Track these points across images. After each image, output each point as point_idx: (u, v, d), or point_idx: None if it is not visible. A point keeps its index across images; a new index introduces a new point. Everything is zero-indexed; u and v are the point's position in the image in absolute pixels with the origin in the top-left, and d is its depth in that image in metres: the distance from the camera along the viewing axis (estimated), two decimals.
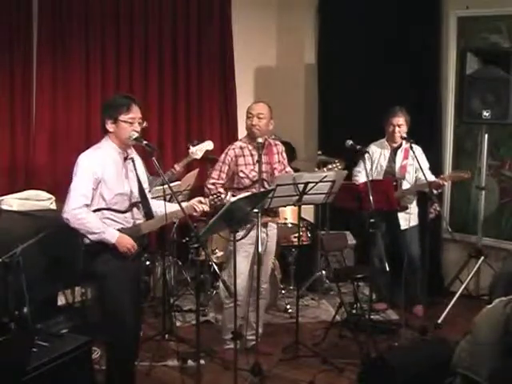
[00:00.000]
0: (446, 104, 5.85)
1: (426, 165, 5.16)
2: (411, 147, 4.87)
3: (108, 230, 3.44)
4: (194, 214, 3.69)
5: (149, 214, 3.60)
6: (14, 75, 5.15)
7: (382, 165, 5.24)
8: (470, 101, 5.28)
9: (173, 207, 3.60)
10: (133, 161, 3.61)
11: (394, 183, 5.08)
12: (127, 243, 3.46)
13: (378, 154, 5.25)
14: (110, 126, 3.48)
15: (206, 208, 3.70)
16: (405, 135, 5.09)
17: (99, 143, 3.55)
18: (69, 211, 3.40)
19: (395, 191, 5.05)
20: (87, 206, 3.43)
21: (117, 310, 3.51)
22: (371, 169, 5.28)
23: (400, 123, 5.11)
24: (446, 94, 5.84)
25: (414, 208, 5.24)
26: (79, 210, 3.40)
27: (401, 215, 5.17)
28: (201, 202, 3.67)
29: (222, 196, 3.86)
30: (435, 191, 4.99)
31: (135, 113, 3.49)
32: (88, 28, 5.47)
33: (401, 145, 5.20)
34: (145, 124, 3.59)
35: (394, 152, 5.23)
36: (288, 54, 6.76)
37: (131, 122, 3.47)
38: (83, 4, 5.43)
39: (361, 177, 5.15)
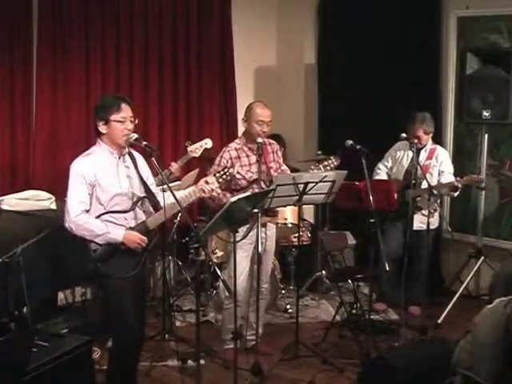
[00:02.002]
0: (446, 104, 5.85)
1: (449, 169, 5.18)
2: (411, 146, 4.88)
3: (113, 229, 3.45)
4: (204, 195, 3.62)
5: (156, 208, 3.58)
6: (14, 75, 5.15)
7: (404, 165, 5.25)
8: (470, 101, 5.28)
9: (178, 195, 3.50)
10: (131, 157, 3.60)
11: (413, 182, 5.09)
12: (135, 238, 3.47)
13: (401, 154, 5.29)
14: (102, 128, 3.48)
15: (215, 186, 3.63)
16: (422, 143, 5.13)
17: (90, 149, 3.55)
18: (70, 220, 3.42)
19: (413, 189, 5.06)
20: (87, 211, 3.45)
21: (120, 311, 3.51)
22: (392, 168, 5.32)
23: (418, 135, 5.11)
24: (446, 93, 5.84)
25: (434, 212, 5.20)
26: (80, 217, 3.41)
27: (416, 216, 5.14)
28: (207, 183, 3.60)
29: (231, 170, 3.74)
30: (452, 193, 5.02)
31: (126, 112, 3.48)
32: (88, 28, 5.47)
33: (426, 145, 5.20)
34: (136, 121, 3.58)
35: (417, 152, 5.21)
36: (288, 53, 6.75)
37: (123, 120, 3.46)
38: (83, 4, 5.42)
39: (380, 174, 5.31)
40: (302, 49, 6.68)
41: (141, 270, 3.64)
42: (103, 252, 3.45)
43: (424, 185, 5.10)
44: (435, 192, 4.91)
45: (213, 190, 3.63)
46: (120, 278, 3.45)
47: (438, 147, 5.27)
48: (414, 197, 5.05)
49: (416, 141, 5.08)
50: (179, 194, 3.54)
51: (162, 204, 3.55)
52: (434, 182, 5.11)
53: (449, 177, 5.13)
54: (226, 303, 4.39)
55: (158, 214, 3.57)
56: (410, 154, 5.24)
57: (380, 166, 5.38)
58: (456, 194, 5.12)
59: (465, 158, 5.80)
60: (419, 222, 5.14)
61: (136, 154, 3.67)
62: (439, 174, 5.16)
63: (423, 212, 5.15)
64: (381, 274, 5.08)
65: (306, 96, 6.70)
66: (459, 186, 4.98)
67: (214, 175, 3.69)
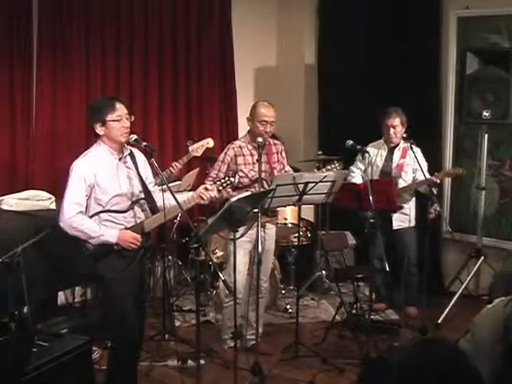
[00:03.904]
0: (446, 104, 5.85)
1: (424, 166, 5.17)
2: (411, 147, 4.89)
3: (106, 231, 3.45)
4: (202, 202, 3.65)
5: (154, 209, 3.59)
6: (14, 75, 5.14)
7: (378, 165, 5.26)
8: (470, 101, 5.28)
9: (179, 198, 3.51)
10: (132, 157, 3.61)
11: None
12: (129, 237, 3.47)
13: (374, 154, 5.26)
14: (99, 130, 3.49)
15: (214, 194, 3.66)
16: (404, 135, 5.10)
17: (89, 149, 3.57)
18: (64, 221, 3.43)
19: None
20: (82, 213, 3.45)
21: (120, 311, 3.51)
22: (365, 170, 5.30)
23: (395, 124, 5.12)
24: (446, 93, 5.83)
25: (410, 209, 5.22)
26: (74, 219, 3.42)
27: (395, 215, 5.16)
28: (207, 189, 3.63)
29: (232, 179, 3.76)
30: (432, 189, 5.02)
31: (121, 110, 3.50)
32: (88, 28, 5.46)
33: (398, 144, 5.21)
34: (132, 118, 3.59)
35: (391, 151, 5.24)
36: (288, 53, 6.76)
37: (119, 119, 3.48)
38: (83, 4, 5.42)
39: (355, 177, 5.22)
40: (301, 49, 6.68)
41: (138, 270, 3.65)
42: (96, 251, 3.46)
43: (400, 184, 5.12)
44: (423, 190, 4.99)
45: (212, 197, 3.65)
46: (116, 278, 3.45)
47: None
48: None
49: (392, 131, 5.10)
50: (171, 204, 3.53)
51: (160, 206, 3.57)
52: (408, 181, 5.15)
53: (424, 173, 5.11)
54: (226, 301, 4.40)
55: (156, 216, 3.57)
56: (384, 153, 5.27)
57: (353, 168, 5.30)
58: (435, 189, 5.14)
59: (465, 158, 5.80)
60: (398, 220, 5.16)
61: (137, 154, 3.68)
62: (414, 172, 5.15)
63: (402, 211, 5.16)
64: (380, 274, 5.10)
65: (306, 96, 6.70)
66: (437, 181, 4.99)
67: (215, 183, 3.72)
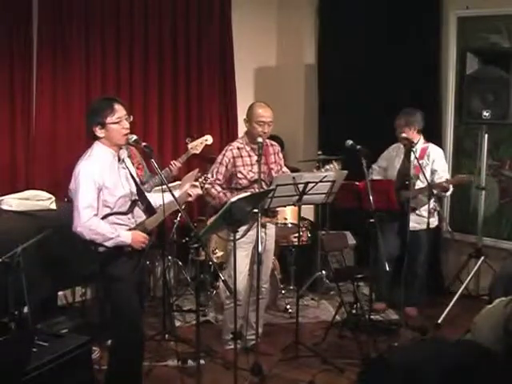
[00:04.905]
0: (446, 104, 5.85)
1: (442, 167, 5.16)
2: (411, 148, 4.88)
3: (121, 232, 3.46)
4: (190, 199, 3.77)
5: (149, 208, 3.60)
6: (14, 75, 5.14)
7: (395, 165, 5.24)
8: (470, 101, 5.28)
9: (170, 196, 3.53)
10: (123, 160, 3.62)
11: (407, 182, 5.08)
12: (141, 237, 3.49)
13: (393, 155, 5.28)
14: (99, 132, 3.47)
15: (199, 191, 3.82)
16: (403, 135, 5.09)
17: (90, 151, 3.52)
18: (81, 225, 3.40)
19: (407, 190, 5.04)
20: (96, 215, 3.44)
21: (127, 311, 3.51)
22: (386, 169, 5.31)
23: (398, 123, 5.12)
24: (446, 93, 5.84)
25: (426, 212, 5.18)
26: (90, 222, 3.40)
27: (412, 217, 5.13)
28: (194, 186, 3.77)
29: (209, 175, 4.16)
30: (443, 193, 5.02)
31: (120, 111, 3.48)
32: (88, 28, 5.47)
33: (416, 144, 5.14)
34: (131, 118, 3.59)
35: (409, 151, 5.20)
36: (288, 53, 6.76)
37: (119, 121, 3.47)
38: (83, 4, 5.42)
39: (374, 174, 5.27)
40: (301, 49, 6.68)
41: (141, 270, 3.65)
42: (109, 254, 3.46)
43: (418, 185, 5.10)
44: (427, 192, 4.93)
45: (199, 194, 3.83)
46: (125, 279, 3.46)
47: (430, 146, 5.22)
48: (408, 198, 5.05)
49: (397, 132, 5.10)
50: (168, 199, 3.54)
51: (154, 204, 3.63)
52: (426, 182, 5.12)
53: (442, 175, 5.11)
54: (227, 302, 4.40)
55: (156, 215, 3.58)
56: (402, 154, 5.25)
57: (374, 166, 5.34)
58: (448, 194, 5.13)
59: (465, 158, 5.80)
60: (415, 222, 5.14)
61: (125, 157, 3.68)
62: (432, 173, 5.12)
63: (417, 212, 5.15)
64: (381, 274, 5.09)
65: (306, 96, 6.70)
66: (448, 186, 4.97)
67: (197, 180, 3.89)
